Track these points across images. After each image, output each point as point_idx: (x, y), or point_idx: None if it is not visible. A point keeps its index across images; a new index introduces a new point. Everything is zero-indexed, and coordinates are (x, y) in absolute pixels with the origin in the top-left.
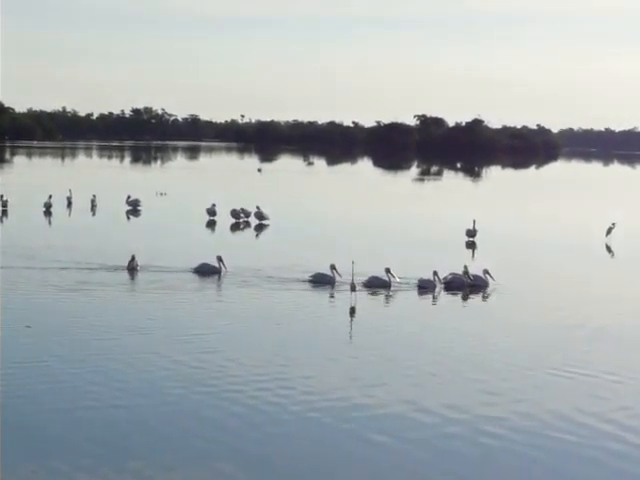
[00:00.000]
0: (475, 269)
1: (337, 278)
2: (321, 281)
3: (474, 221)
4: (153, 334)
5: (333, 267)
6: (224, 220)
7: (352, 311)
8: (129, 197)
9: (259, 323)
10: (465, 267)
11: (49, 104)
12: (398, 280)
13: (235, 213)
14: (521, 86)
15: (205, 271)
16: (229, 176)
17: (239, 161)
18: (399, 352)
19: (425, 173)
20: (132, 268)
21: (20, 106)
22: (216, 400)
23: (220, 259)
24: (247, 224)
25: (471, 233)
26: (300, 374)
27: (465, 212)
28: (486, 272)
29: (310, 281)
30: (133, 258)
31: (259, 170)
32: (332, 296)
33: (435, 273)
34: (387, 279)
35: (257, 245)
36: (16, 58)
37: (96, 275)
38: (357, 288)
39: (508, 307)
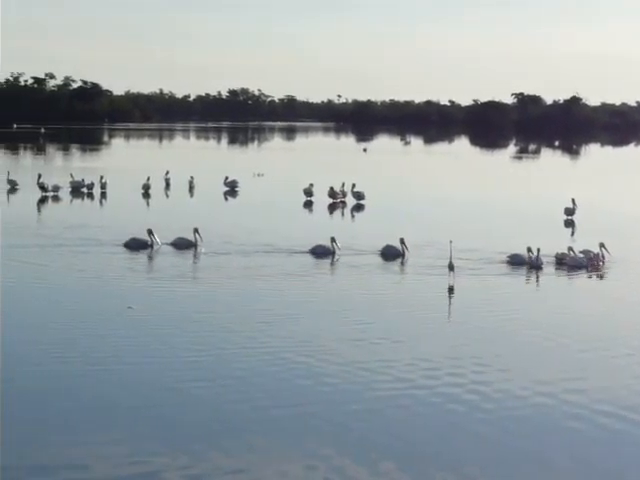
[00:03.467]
0: (577, 247)
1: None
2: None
3: (573, 199)
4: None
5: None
6: (321, 200)
7: (450, 290)
8: (227, 178)
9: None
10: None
11: (146, 86)
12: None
13: (332, 193)
14: (620, 62)
15: (390, 254)
16: (328, 156)
17: (336, 141)
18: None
19: (523, 151)
20: (333, 252)
21: (118, 89)
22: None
23: (402, 241)
24: (344, 204)
25: (570, 211)
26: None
27: (564, 190)
28: (602, 246)
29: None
30: (333, 240)
31: (364, 150)
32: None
33: (529, 250)
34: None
35: (361, 225)
36: (114, 41)
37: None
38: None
39: (624, 286)
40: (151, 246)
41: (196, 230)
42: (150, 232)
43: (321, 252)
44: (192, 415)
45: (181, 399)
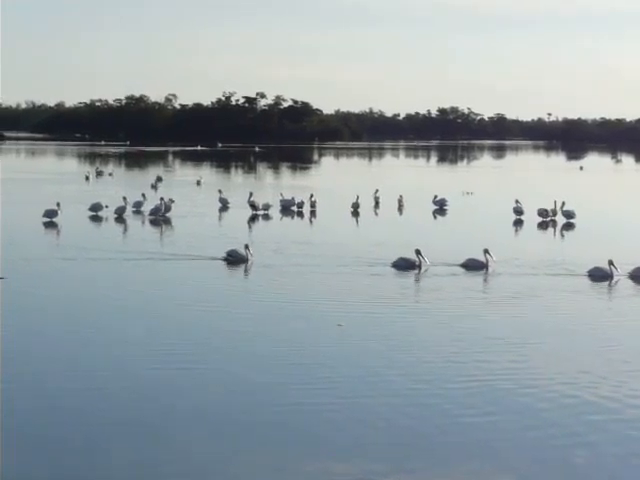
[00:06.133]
0: None
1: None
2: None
3: None
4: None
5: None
6: (531, 219)
7: None
8: (436, 197)
9: None
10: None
11: (356, 105)
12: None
13: (543, 212)
14: None
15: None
16: (538, 174)
17: (546, 159)
18: None
19: None
20: (611, 275)
21: (328, 108)
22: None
23: (611, 263)
24: (554, 223)
25: None
26: None
27: None
28: None
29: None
30: (611, 263)
31: (581, 168)
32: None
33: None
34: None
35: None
36: (323, 61)
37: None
38: None
39: None
40: (419, 266)
41: (486, 251)
42: (418, 252)
43: (599, 275)
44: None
45: (469, 432)
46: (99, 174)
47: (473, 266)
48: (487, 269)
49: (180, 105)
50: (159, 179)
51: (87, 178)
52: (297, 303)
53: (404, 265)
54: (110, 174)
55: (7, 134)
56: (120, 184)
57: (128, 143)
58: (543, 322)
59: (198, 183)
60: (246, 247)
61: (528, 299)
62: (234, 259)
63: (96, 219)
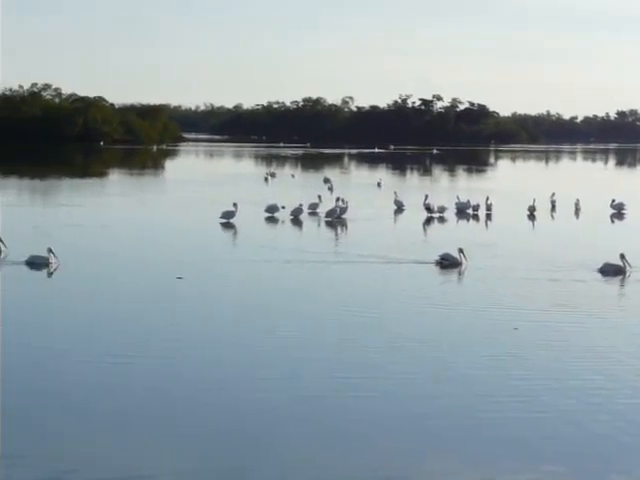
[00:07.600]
0: None
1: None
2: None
3: None
4: None
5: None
6: None
7: None
8: (614, 201)
9: None
10: None
11: (533, 108)
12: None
13: None
14: None
15: None
16: None
17: None
18: None
19: None
20: None
21: (505, 110)
22: None
23: None
24: None
25: None
26: None
27: None
28: None
29: None
30: None
31: None
32: None
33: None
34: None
35: None
36: (498, 64)
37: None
38: None
39: None
40: (625, 272)
41: None
42: (622, 256)
43: None
44: None
45: None
46: (272, 176)
47: None
48: None
49: (356, 107)
50: (326, 180)
51: (266, 179)
52: (512, 309)
53: (611, 270)
54: (293, 175)
55: (186, 136)
56: (297, 186)
57: (309, 145)
58: None
59: (378, 185)
60: (460, 251)
61: None
62: (448, 263)
63: (272, 220)
